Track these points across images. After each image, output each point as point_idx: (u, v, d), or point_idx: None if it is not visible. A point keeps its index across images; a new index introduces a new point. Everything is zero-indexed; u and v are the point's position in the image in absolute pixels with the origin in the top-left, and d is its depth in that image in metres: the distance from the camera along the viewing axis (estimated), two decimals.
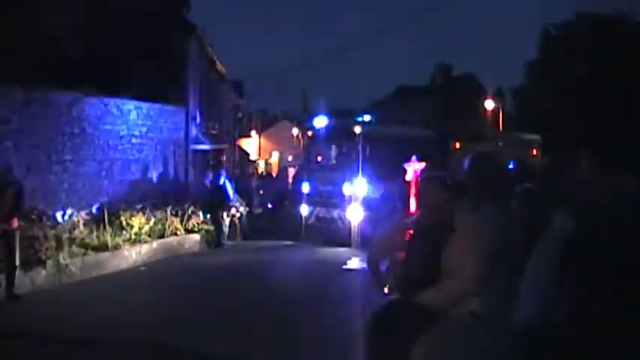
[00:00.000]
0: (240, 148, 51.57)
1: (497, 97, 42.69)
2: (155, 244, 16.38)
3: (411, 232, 4.93)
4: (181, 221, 17.96)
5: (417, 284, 4.37)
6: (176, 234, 17.58)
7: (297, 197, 21.58)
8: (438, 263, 4.27)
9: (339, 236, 18.99)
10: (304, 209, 20.59)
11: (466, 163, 4.52)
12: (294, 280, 13.33)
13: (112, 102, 19.39)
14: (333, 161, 21.89)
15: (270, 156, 61.30)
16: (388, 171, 16.64)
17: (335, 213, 19.82)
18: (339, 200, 19.47)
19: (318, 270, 15.68)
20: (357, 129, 19.82)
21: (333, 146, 22.15)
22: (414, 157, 6.04)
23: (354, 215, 18.05)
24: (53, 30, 20.79)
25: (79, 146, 17.90)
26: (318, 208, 20.45)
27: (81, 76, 18.68)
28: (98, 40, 21.72)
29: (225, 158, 36.31)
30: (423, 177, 4.92)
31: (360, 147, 18.88)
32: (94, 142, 18.58)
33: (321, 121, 21.73)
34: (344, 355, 7.65)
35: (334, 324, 9.58)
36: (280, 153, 60.61)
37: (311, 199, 20.68)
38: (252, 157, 56.16)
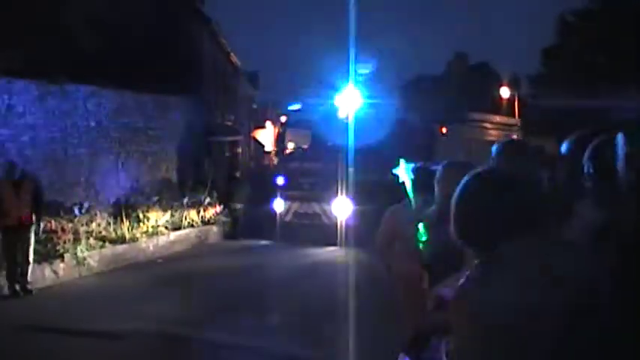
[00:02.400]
0: (256, 140, 51.51)
1: (513, 84, 42.42)
2: (172, 236, 16.44)
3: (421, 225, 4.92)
4: (197, 213, 17.99)
5: (441, 270, 4.38)
6: (192, 225, 17.62)
7: (271, 192, 19.22)
8: (460, 250, 4.25)
9: (324, 234, 17.20)
10: (279, 205, 18.40)
11: (495, 150, 4.47)
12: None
13: (127, 95, 19.43)
14: (313, 150, 19.18)
15: (286, 147, 61.05)
16: (374, 159, 15.51)
17: (317, 208, 17.75)
18: (321, 193, 17.56)
19: (325, 268, 14.81)
20: (341, 113, 17.75)
21: (313, 133, 19.55)
22: (402, 161, 5.89)
23: (341, 209, 16.81)
24: (69, 24, 20.86)
25: (95, 140, 17.97)
26: (297, 203, 18.16)
27: (97, 69, 18.72)
28: (114, 33, 21.77)
29: (240, 150, 36.34)
30: (446, 165, 4.86)
31: (343, 134, 16.97)
32: (110, 135, 18.64)
33: (296, 106, 19.93)
34: None
35: None
36: (295, 144, 60.39)
37: (287, 193, 18.39)
38: (268, 148, 56.09)
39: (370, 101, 17.91)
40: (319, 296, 11.23)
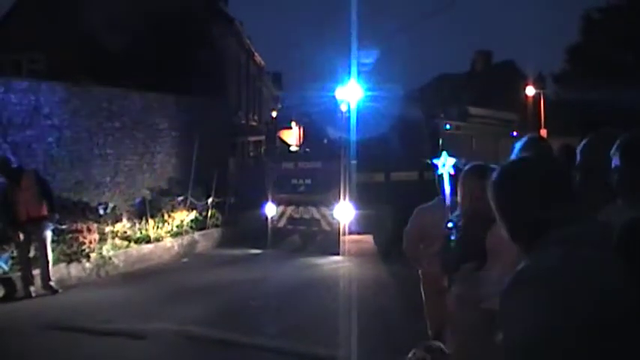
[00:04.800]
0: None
1: (538, 83, 42.15)
2: (197, 235, 16.47)
3: (453, 221, 4.91)
4: (222, 213, 18.00)
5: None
6: (217, 225, 17.62)
7: (260, 195, 17.42)
8: (483, 250, 4.29)
9: (324, 241, 15.76)
10: (270, 209, 16.54)
11: (520, 146, 4.50)
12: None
13: (152, 96, 19.52)
14: (309, 148, 17.24)
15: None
16: (378, 157, 15.17)
17: (315, 212, 15.82)
18: (319, 196, 15.65)
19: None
20: (341, 107, 15.77)
21: (309, 130, 17.55)
22: (444, 153, 5.71)
23: (344, 214, 15.08)
24: (92, 26, 21.02)
25: (120, 140, 18.10)
26: (291, 207, 16.24)
27: (120, 70, 18.85)
28: (137, 35, 21.90)
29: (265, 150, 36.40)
30: (468, 168, 4.83)
31: (344, 129, 15.44)
32: (134, 136, 18.75)
33: (288, 99, 17.62)
34: None
35: None
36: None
37: (280, 197, 16.53)
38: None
39: (373, 94, 16.36)
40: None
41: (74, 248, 12.57)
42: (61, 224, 12.59)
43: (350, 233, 15.09)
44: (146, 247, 14.58)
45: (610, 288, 2.03)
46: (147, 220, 15.36)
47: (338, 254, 14.93)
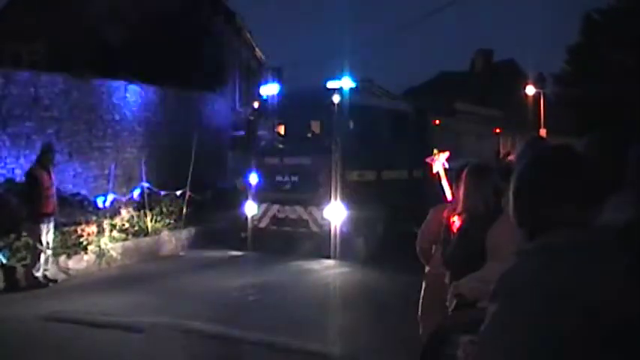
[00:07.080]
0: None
1: (538, 83, 42.07)
2: (194, 230, 16.45)
3: (457, 219, 4.93)
4: (219, 208, 17.96)
5: (464, 268, 4.41)
6: (209, 221, 17.54)
7: (240, 192, 16.66)
8: (483, 249, 4.32)
9: (313, 244, 14.43)
10: (250, 208, 15.47)
11: (524, 147, 4.51)
12: None
13: (152, 89, 19.50)
14: (294, 142, 15.94)
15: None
16: (368, 151, 14.60)
17: (303, 212, 14.57)
18: (307, 195, 14.53)
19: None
20: (335, 98, 14.34)
21: (295, 122, 16.27)
22: (435, 150, 5.65)
23: (335, 214, 14.01)
24: (93, 18, 20.99)
25: (119, 133, 18.09)
26: (276, 206, 15.00)
27: (121, 63, 18.82)
28: (138, 28, 21.86)
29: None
30: (469, 167, 4.84)
31: (331, 122, 14.51)
32: (134, 128, 18.74)
33: (271, 89, 16.50)
34: None
35: None
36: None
37: (262, 195, 15.38)
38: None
39: (363, 88, 15.77)
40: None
41: (73, 240, 12.61)
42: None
43: (343, 235, 14.05)
44: (144, 241, 14.60)
45: (591, 304, 1.99)
46: (145, 214, 15.36)
47: (329, 257, 13.98)
